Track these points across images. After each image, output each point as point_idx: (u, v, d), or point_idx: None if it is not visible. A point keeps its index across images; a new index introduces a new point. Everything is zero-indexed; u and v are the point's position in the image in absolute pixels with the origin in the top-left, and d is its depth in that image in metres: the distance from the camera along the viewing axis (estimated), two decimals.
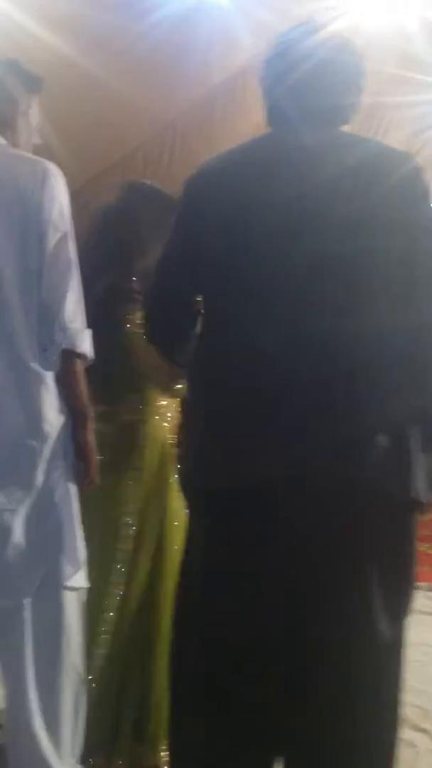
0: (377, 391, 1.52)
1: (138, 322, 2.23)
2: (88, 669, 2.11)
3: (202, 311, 1.70)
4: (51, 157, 2.01)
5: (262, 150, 1.72)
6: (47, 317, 1.90)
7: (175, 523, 2.28)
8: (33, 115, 2.07)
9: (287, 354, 1.53)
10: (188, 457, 1.66)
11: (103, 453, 2.11)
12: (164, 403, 2.38)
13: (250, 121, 6.08)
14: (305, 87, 1.68)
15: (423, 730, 2.52)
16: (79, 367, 1.96)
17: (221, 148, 6.13)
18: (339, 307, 1.53)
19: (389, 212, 1.55)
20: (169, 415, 2.37)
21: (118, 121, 4.93)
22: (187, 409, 1.75)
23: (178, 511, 2.24)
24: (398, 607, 1.57)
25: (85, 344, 1.95)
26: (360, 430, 1.50)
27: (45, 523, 1.91)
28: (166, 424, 2.37)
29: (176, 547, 2.17)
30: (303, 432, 1.51)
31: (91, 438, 2.00)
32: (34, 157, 1.99)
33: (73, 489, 1.97)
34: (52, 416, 1.90)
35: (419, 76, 5.21)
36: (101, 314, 2.18)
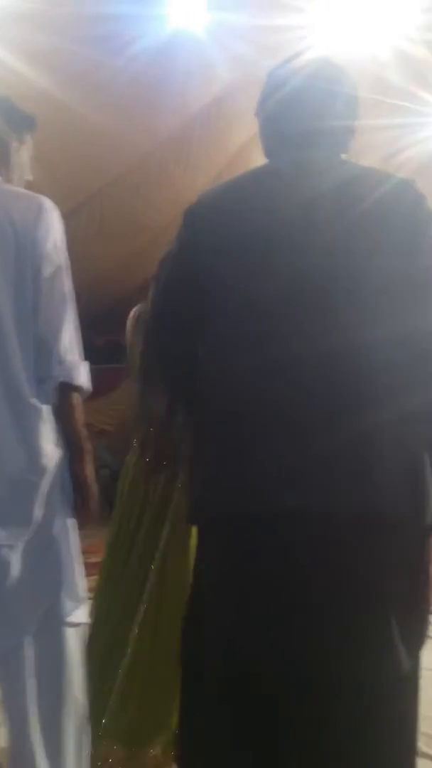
0: (386, 413, 1.51)
1: None
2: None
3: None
4: (31, 188, 2.03)
5: (249, 180, 1.74)
6: (44, 350, 1.90)
7: None
8: (25, 152, 2.09)
9: (288, 378, 1.52)
10: (195, 485, 1.64)
11: None
12: None
13: (226, 150, 6.19)
14: (277, 115, 1.73)
15: (429, 756, 2.47)
16: (77, 400, 1.95)
17: (198, 177, 6.22)
18: (337, 328, 1.53)
19: (363, 234, 1.57)
20: None
21: (97, 152, 4.98)
22: (193, 438, 1.74)
23: None
24: (416, 637, 1.55)
25: (82, 377, 1.94)
26: (371, 453, 1.49)
27: (44, 559, 1.88)
28: None
29: None
30: (313, 456, 1.49)
31: (90, 471, 1.99)
32: (28, 192, 2.01)
33: (71, 523, 1.95)
34: (50, 450, 1.89)
35: (391, 100, 5.31)
36: None
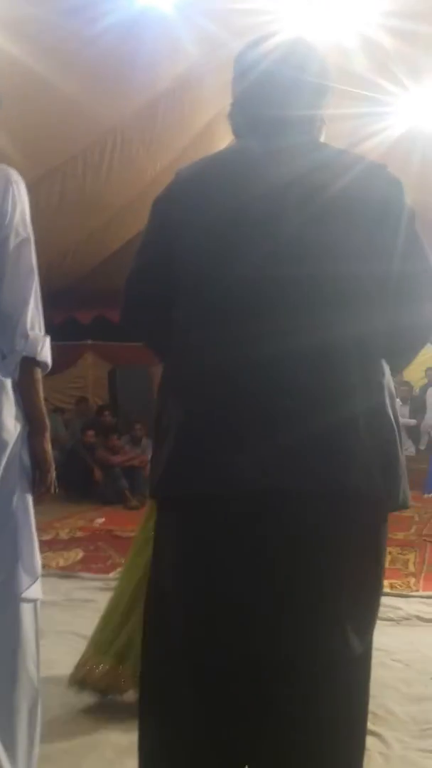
0: (360, 402, 1.51)
1: None
2: None
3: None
4: None
5: (220, 162, 1.72)
6: (8, 324, 1.88)
7: None
8: None
9: (261, 366, 1.51)
10: (162, 459, 1.63)
11: None
12: None
13: (190, 130, 6.15)
14: (245, 101, 1.71)
15: (374, 734, 2.49)
16: (39, 374, 1.94)
17: (160, 155, 6.17)
18: (306, 316, 1.53)
19: (332, 220, 1.56)
20: None
21: (62, 125, 4.91)
22: (160, 415, 1.72)
23: None
24: (367, 620, 1.57)
25: (45, 352, 1.93)
26: (346, 436, 1.49)
27: (2, 533, 1.87)
28: None
29: None
30: (288, 437, 1.48)
31: (48, 446, 1.97)
32: None
33: (29, 498, 1.94)
34: (10, 424, 1.87)
35: (355, 89, 5.32)
36: None
